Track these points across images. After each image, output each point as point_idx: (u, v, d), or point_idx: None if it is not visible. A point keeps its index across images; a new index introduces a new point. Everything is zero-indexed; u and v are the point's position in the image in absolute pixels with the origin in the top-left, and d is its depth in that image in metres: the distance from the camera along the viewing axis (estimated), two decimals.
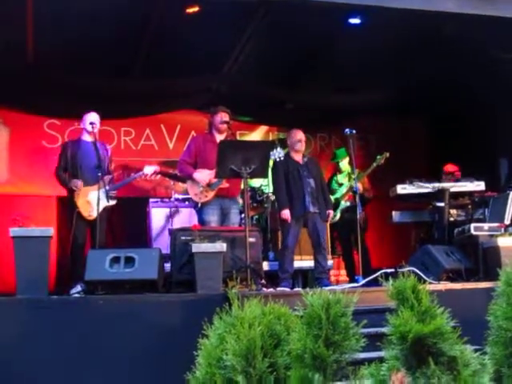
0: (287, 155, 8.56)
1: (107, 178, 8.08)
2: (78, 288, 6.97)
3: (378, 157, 9.42)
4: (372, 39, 8.86)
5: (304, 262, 8.91)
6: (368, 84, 10.57)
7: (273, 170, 8.52)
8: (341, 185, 9.81)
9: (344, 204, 9.59)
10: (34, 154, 10.45)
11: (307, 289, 4.29)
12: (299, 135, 8.62)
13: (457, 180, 9.43)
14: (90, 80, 9.63)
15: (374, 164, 9.45)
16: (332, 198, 9.45)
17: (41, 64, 9.26)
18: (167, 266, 7.32)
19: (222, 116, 8.10)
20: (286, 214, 8.25)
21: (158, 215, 9.52)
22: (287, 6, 8.17)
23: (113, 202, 8.12)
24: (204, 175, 7.83)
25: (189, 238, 6.86)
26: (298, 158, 8.56)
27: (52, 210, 10.35)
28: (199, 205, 7.89)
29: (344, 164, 9.96)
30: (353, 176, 9.07)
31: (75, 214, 7.71)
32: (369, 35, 8.80)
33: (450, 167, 9.87)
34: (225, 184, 7.81)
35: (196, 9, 8.14)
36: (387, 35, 8.75)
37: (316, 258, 8.34)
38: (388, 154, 9.35)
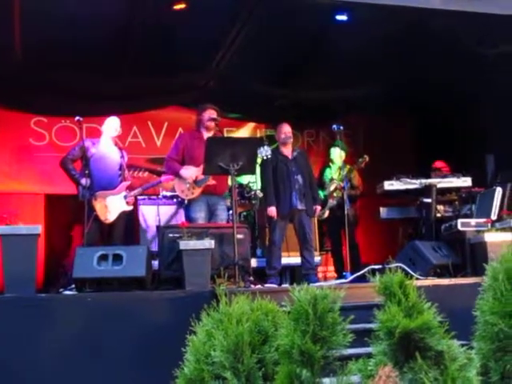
0: (277, 150, 8.58)
1: (126, 183, 8.18)
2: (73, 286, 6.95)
3: (360, 159, 9.41)
4: (360, 37, 8.87)
5: (291, 259, 8.93)
6: (356, 81, 10.58)
7: (261, 166, 8.53)
8: (331, 180, 9.75)
9: (331, 203, 9.54)
10: (21, 151, 10.41)
11: (294, 285, 4.29)
12: (284, 128, 8.63)
13: (444, 176, 9.46)
14: (77, 78, 9.60)
15: (355, 166, 9.47)
16: (322, 194, 9.47)
17: (28, 62, 9.21)
18: (155, 263, 7.33)
19: (210, 113, 8.11)
20: (272, 211, 8.29)
21: (145, 212, 9.52)
22: (275, 3, 8.18)
23: (130, 207, 8.20)
24: (191, 172, 7.83)
25: (176, 235, 6.86)
26: (287, 152, 8.59)
27: (40, 207, 10.33)
28: (186, 202, 7.90)
29: (337, 156, 9.83)
30: (342, 172, 9.10)
31: (92, 217, 7.71)
32: (357, 32, 8.81)
33: (438, 163, 9.91)
34: (211, 181, 7.81)
35: (183, 5, 8.13)
36: (375, 32, 8.78)
37: (303, 255, 8.37)
38: (368, 158, 9.35)
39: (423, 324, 3.88)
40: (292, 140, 8.78)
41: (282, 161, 8.48)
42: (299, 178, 8.47)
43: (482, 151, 10.45)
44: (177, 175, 7.96)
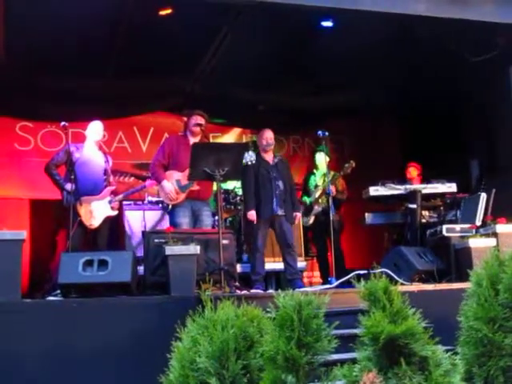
0: (258, 155, 8.57)
1: (110, 188, 8.19)
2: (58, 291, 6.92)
3: (346, 165, 9.41)
4: (344, 41, 8.88)
5: (277, 264, 8.92)
6: (341, 86, 10.60)
7: (243, 171, 8.53)
8: (316, 186, 9.74)
9: (317, 209, 9.52)
10: (6, 156, 10.37)
11: (279, 291, 4.30)
12: (266, 134, 8.62)
13: (428, 181, 9.48)
14: (62, 82, 9.58)
15: (341, 172, 9.45)
16: (307, 200, 9.47)
17: (12, 65, 9.18)
18: (140, 268, 7.31)
19: (197, 119, 8.10)
20: (252, 214, 8.26)
21: (130, 217, 9.51)
22: (259, 9, 8.19)
23: (115, 212, 8.19)
24: (171, 187, 7.81)
25: (162, 240, 6.83)
26: (268, 158, 8.58)
27: (25, 212, 10.29)
28: (170, 207, 7.90)
29: (322, 161, 9.79)
30: (326, 179, 9.09)
31: (77, 222, 7.70)
32: (341, 38, 8.82)
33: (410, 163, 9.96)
34: (195, 186, 7.80)
35: (169, 11, 8.13)
36: (359, 37, 8.79)
37: (285, 260, 8.33)
38: (354, 164, 9.34)
39: (408, 330, 3.89)
40: (273, 146, 8.76)
41: (263, 166, 8.47)
42: (280, 183, 8.45)
43: (467, 157, 10.49)
44: (159, 183, 7.96)
